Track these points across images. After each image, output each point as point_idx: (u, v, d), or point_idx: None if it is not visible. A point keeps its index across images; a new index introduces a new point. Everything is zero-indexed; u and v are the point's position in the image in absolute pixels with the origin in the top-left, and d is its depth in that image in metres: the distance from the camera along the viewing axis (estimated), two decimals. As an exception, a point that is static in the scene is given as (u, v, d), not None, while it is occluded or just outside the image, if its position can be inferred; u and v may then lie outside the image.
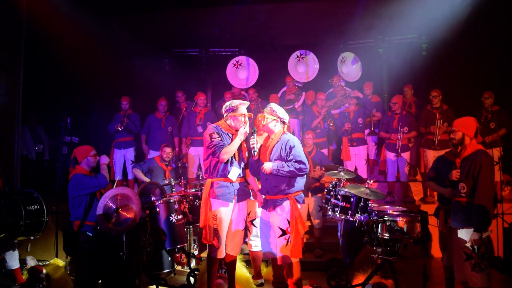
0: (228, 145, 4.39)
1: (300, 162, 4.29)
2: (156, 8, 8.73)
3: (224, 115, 4.57)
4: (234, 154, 4.43)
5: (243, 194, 4.55)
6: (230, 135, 4.49)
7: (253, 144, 4.39)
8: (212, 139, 4.40)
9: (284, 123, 4.53)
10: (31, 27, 7.45)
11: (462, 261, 4.20)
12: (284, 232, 4.33)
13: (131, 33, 9.54)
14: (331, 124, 7.64)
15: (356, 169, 7.77)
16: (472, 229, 4.11)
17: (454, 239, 4.35)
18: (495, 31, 8.09)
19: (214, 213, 4.42)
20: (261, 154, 4.51)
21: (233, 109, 4.47)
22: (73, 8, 7.80)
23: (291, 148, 4.35)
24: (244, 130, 4.40)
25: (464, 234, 4.20)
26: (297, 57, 8.93)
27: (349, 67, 8.84)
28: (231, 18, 8.75)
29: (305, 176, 4.44)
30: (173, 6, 8.68)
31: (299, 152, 4.35)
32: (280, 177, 4.34)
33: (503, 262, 6.04)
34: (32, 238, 5.36)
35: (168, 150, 6.94)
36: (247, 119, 4.47)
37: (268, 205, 4.46)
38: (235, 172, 4.44)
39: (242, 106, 4.49)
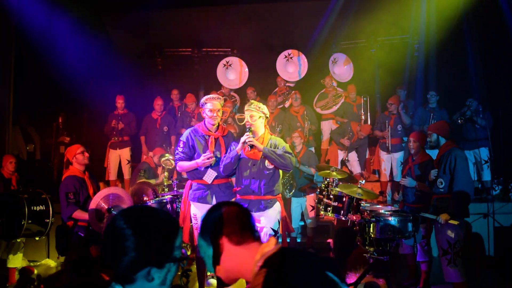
0: (186, 161, 4.39)
1: (291, 154, 4.25)
2: (149, 7, 8.69)
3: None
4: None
5: (223, 195, 4.44)
6: (207, 137, 4.46)
7: (251, 140, 4.20)
8: (177, 148, 4.46)
9: (267, 117, 4.43)
10: (22, 26, 7.40)
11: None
12: (275, 234, 4.32)
13: (123, 32, 9.50)
14: (306, 126, 7.65)
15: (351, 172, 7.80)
16: (452, 223, 4.27)
17: (436, 235, 4.47)
18: (483, 32, 8.18)
19: (193, 214, 4.44)
20: (249, 154, 4.33)
21: (202, 105, 4.44)
22: (65, 6, 7.75)
23: (283, 147, 4.30)
24: (204, 160, 4.27)
25: (445, 228, 4.31)
26: (285, 57, 8.92)
27: (341, 67, 8.85)
28: (224, 18, 8.75)
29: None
30: (166, 6, 8.65)
31: (290, 150, 4.34)
32: (271, 176, 4.27)
33: (494, 261, 6.09)
34: (37, 238, 5.34)
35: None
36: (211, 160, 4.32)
37: (253, 206, 4.26)
38: (210, 175, 4.39)
39: (212, 101, 4.39)
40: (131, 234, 1.41)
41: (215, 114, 4.39)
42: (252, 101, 4.44)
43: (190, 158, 4.42)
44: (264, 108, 4.36)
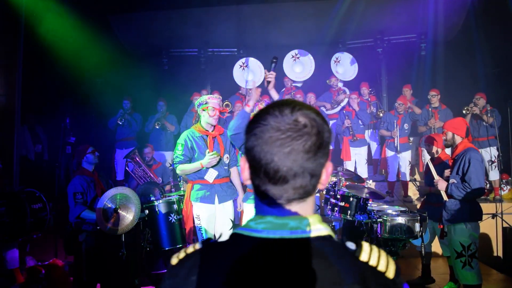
0: (187, 164, 4.38)
1: None
2: (155, 7, 8.72)
3: (199, 113, 4.53)
4: None
5: (226, 194, 4.47)
6: (205, 137, 4.47)
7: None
8: (176, 151, 4.44)
9: None
10: (30, 26, 7.44)
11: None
12: None
13: (130, 33, 9.53)
14: None
15: (355, 168, 7.77)
16: (464, 226, 4.24)
17: (448, 236, 4.42)
18: (491, 31, 8.12)
19: (196, 214, 4.43)
20: None
21: (202, 104, 4.43)
22: (72, 7, 7.79)
23: None
24: (209, 159, 4.26)
25: (458, 230, 4.27)
26: (292, 57, 8.91)
27: (344, 66, 8.82)
28: (230, 18, 8.75)
29: None
30: (172, 6, 8.67)
31: None
32: None
33: (502, 261, 6.05)
34: (34, 236, 5.37)
35: (147, 150, 7.08)
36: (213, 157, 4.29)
37: None
38: (211, 174, 4.39)
39: (212, 100, 4.41)
40: None
41: (217, 114, 4.44)
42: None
43: (190, 160, 4.44)
44: None
